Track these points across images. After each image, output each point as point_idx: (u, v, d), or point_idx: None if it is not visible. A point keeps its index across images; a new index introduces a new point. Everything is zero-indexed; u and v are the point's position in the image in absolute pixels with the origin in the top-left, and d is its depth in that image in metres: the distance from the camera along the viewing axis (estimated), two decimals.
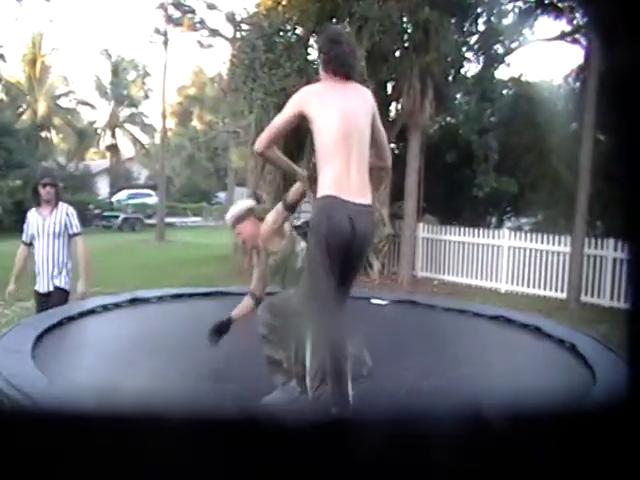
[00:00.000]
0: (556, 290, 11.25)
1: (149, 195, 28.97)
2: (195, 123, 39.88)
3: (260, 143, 3.11)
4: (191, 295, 5.92)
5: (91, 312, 4.92)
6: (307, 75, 10.27)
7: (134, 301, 5.34)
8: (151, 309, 5.37)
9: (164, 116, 24.25)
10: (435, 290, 11.69)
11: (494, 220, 16.19)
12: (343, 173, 2.95)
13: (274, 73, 10.23)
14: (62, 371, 3.48)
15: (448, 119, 13.86)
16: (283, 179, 11.19)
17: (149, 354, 4.10)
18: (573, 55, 13.84)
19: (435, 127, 13.63)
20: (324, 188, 2.95)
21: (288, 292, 3.69)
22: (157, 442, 0.91)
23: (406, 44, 10.17)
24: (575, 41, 13.71)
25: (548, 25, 22.41)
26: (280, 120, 3.09)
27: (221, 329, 3.79)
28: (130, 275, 12.22)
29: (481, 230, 12.67)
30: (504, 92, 15.12)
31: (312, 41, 11.20)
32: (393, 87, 11.08)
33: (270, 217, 3.58)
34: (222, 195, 35.44)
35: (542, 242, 11.59)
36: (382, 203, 11.66)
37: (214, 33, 17.82)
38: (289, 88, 10.49)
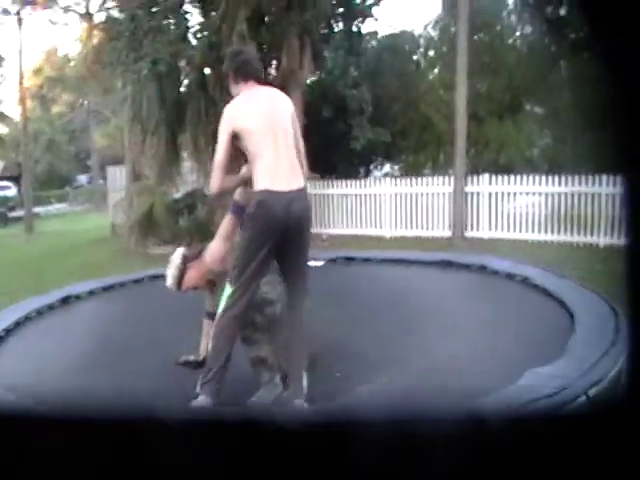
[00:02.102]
0: (442, 229, 11.88)
1: (8, 187, 27.22)
2: (57, 106, 37.69)
3: (214, 187, 3.40)
4: (122, 284, 5.81)
5: (27, 319, 4.72)
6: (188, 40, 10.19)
7: (66, 300, 5.18)
8: (88, 305, 5.24)
9: (23, 101, 22.71)
10: (326, 244, 11.96)
11: (362, 170, 16.69)
12: (273, 166, 3.32)
13: (159, 40, 9.95)
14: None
15: (322, 75, 14.04)
16: (167, 152, 11.02)
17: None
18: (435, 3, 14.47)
19: (309, 83, 13.77)
20: (259, 182, 3.30)
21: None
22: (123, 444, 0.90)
23: (283, 3, 10.16)
24: None
25: None
26: (221, 154, 3.34)
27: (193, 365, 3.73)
28: (11, 272, 11.57)
29: (363, 181, 13.11)
30: (370, 45, 15.58)
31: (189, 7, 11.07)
32: (272, 47, 11.06)
33: (215, 244, 3.60)
34: (84, 178, 34.04)
35: (422, 185, 12.16)
36: None
37: (67, 10, 16.83)
38: (176, 54, 10.32)
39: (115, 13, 12.18)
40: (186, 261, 3.73)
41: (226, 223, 3.63)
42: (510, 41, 15.59)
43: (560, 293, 4.31)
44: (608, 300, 3.97)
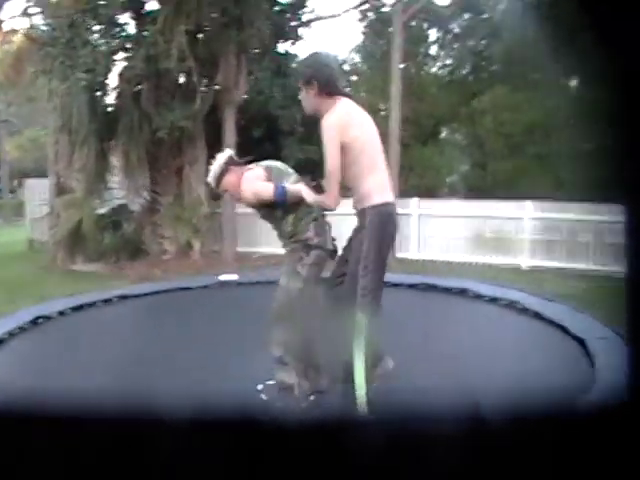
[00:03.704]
0: None
1: None
2: None
3: (336, 199, 3.26)
4: (91, 304, 5.64)
5: None
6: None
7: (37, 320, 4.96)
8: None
9: None
10: (259, 263, 11.92)
11: None
12: (385, 178, 3.38)
13: (98, 50, 9.67)
14: None
15: (254, 95, 14.04)
16: (96, 165, 10.71)
17: None
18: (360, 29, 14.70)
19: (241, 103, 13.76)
20: (377, 195, 3.31)
21: (291, 289, 3.60)
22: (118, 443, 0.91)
23: (223, 20, 10.14)
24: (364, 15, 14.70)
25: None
26: (335, 164, 3.21)
27: None
28: None
29: None
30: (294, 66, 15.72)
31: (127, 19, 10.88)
32: (208, 63, 11.00)
33: (256, 179, 3.62)
34: None
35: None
36: (198, 182, 11.58)
37: None
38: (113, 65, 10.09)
39: (38, 20, 11.83)
40: (230, 163, 3.74)
41: (267, 187, 3.60)
42: (433, 70, 16.19)
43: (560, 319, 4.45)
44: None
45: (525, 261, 10.89)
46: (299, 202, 3.53)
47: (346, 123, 3.24)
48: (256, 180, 3.63)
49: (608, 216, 10.36)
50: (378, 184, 3.34)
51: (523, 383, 3.57)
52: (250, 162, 3.87)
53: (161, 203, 11.52)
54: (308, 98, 3.37)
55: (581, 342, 4.06)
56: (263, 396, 3.77)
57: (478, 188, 13.70)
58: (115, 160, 11.69)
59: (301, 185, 3.53)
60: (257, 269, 10.72)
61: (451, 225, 11.74)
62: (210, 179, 3.77)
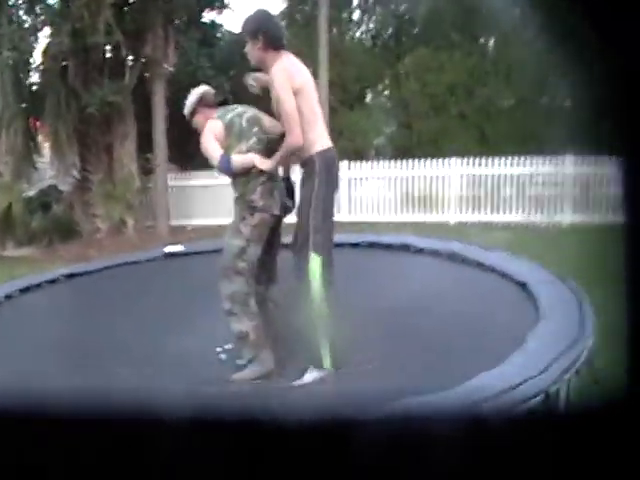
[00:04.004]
0: None
1: None
2: None
3: (299, 136, 3.43)
4: (38, 285, 5.65)
5: None
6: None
7: None
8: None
9: None
10: (193, 235, 11.95)
11: None
12: (324, 126, 3.61)
13: (23, 27, 9.44)
14: None
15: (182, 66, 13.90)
16: (24, 147, 10.50)
17: None
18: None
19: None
20: (321, 141, 3.54)
21: (233, 245, 3.70)
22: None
23: None
24: None
25: None
26: (292, 105, 3.41)
27: None
28: None
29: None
30: (219, 36, 15.60)
31: None
32: (136, 36, 10.85)
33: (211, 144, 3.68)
34: None
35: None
36: (129, 158, 11.53)
37: None
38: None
39: None
40: (201, 102, 3.84)
41: (214, 151, 3.67)
42: (357, 35, 16.39)
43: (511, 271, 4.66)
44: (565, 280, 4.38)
45: (453, 217, 11.37)
46: (250, 168, 3.64)
47: (293, 71, 3.48)
48: (210, 136, 3.67)
49: (529, 169, 10.94)
50: (320, 132, 3.56)
51: (477, 325, 3.87)
52: (222, 103, 3.91)
53: (92, 181, 11.38)
54: (254, 51, 3.55)
55: (523, 285, 4.30)
56: (222, 356, 3.95)
57: (405, 148, 14.09)
58: (43, 139, 11.47)
59: (253, 155, 3.64)
60: (192, 241, 10.74)
61: (380, 186, 12.07)
62: (185, 112, 3.88)
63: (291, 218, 3.84)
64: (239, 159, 3.66)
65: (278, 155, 3.62)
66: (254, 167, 3.63)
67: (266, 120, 3.80)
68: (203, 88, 3.92)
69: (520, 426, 0.96)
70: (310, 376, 3.49)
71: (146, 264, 6.44)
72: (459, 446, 0.88)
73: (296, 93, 3.43)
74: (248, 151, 3.68)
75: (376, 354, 3.64)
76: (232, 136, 3.69)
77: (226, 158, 3.63)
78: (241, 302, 3.64)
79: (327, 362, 3.47)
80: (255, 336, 3.61)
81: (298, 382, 3.49)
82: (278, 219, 3.82)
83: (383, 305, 4.38)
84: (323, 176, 3.50)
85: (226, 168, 3.66)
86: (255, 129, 3.76)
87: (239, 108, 3.84)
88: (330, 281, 3.54)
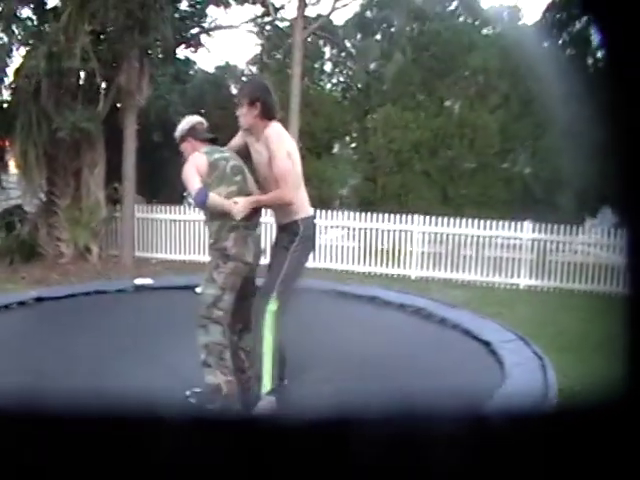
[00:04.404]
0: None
1: None
2: None
3: (292, 192, 3.67)
4: (6, 307, 5.56)
5: None
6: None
7: None
8: None
9: None
10: (158, 269, 11.86)
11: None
12: (306, 197, 3.83)
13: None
14: None
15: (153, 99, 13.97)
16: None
17: None
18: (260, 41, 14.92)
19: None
20: (305, 208, 3.80)
21: (207, 295, 3.73)
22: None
23: (128, 22, 10.07)
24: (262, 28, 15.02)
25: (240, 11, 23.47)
26: (288, 166, 3.66)
27: None
28: None
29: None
30: (192, 73, 15.76)
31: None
32: (111, 65, 10.89)
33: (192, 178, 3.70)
34: None
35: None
36: (97, 186, 11.44)
37: None
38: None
39: None
40: (191, 132, 3.90)
41: (193, 184, 3.68)
42: (328, 86, 16.80)
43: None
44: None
45: (414, 272, 11.59)
46: (226, 213, 3.67)
47: (285, 137, 3.76)
48: (193, 168, 3.69)
49: (488, 231, 11.30)
50: (304, 198, 3.80)
51: (440, 383, 3.93)
52: (212, 141, 3.94)
53: (58, 205, 11.24)
54: (248, 116, 3.75)
55: (487, 344, 4.53)
56: (192, 400, 3.85)
57: (369, 201, 14.36)
58: (11, 158, 11.31)
59: (230, 203, 3.66)
60: (157, 275, 10.68)
61: (344, 236, 12.24)
62: (175, 135, 3.96)
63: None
64: (217, 198, 3.67)
65: (263, 198, 3.72)
66: (228, 213, 3.65)
67: (249, 177, 3.89)
68: (197, 118, 4.01)
69: (520, 426, 0.95)
70: (262, 403, 3.62)
71: (114, 295, 6.42)
72: (454, 445, 0.87)
73: (286, 157, 3.65)
74: (226, 197, 3.69)
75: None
76: (214, 176, 3.71)
77: (204, 192, 3.63)
78: (216, 354, 3.66)
79: (268, 384, 3.66)
80: (227, 390, 3.63)
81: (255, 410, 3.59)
82: (251, 268, 3.83)
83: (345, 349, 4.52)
84: (303, 242, 3.74)
85: (201, 201, 3.65)
86: (238, 178, 3.79)
87: (227, 153, 3.88)
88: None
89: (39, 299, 5.91)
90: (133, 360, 4.48)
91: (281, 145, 3.64)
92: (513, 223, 11.27)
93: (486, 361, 4.26)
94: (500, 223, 11.33)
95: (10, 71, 10.70)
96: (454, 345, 4.77)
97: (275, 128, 3.71)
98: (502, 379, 3.75)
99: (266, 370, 3.65)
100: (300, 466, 0.87)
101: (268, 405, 3.58)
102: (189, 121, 3.96)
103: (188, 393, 3.92)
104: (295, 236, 3.72)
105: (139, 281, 6.67)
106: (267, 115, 3.72)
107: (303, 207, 3.77)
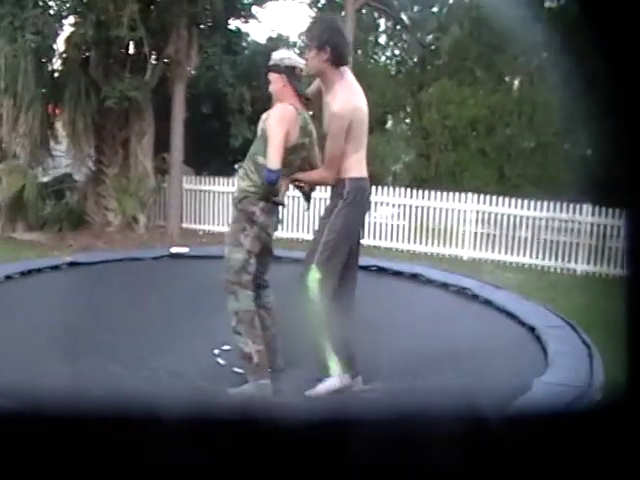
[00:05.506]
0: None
1: None
2: None
3: (333, 176, 3.51)
4: (39, 270, 5.53)
5: None
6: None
7: None
8: None
9: None
10: (204, 240, 11.81)
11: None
12: (364, 156, 3.55)
13: (48, 12, 9.39)
14: None
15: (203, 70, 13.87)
16: (41, 131, 10.40)
17: None
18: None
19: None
20: (357, 168, 3.52)
21: (235, 259, 3.58)
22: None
23: None
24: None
25: None
26: (339, 151, 3.44)
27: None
28: None
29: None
30: (244, 45, 15.57)
31: None
32: (160, 35, 10.79)
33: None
34: None
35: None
36: (145, 155, 11.40)
37: None
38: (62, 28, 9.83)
39: None
40: (290, 71, 3.57)
41: (274, 155, 3.48)
42: (382, 59, 16.39)
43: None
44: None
45: (466, 252, 11.18)
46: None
47: (354, 108, 3.42)
48: (283, 128, 3.47)
49: (545, 213, 10.78)
50: (358, 160, 3.50)
51: (480, 369, 3.68)
52: (307, 99, 3.64)
53: (107, 174, 11.26)
54: (316, 61, 3.42)
55: (532, 329, 4.20)
56: (220, 360, 3.85)
57: (422, 178, 13.96)
58: (61, 127, 11.37)
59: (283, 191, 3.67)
60: (203, 246, 10.62)
61: (395, 214, 11.90)
62: (269, 63, 3.64)
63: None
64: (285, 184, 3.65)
65: (307, 175, 3.66)
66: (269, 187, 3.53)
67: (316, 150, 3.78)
68: (302, 62, 3.59)
69: (520, 426, 0.94)
70: (324, 386, 3.42)
71: (149, 262, 6.32)
72: (457, 445, 0.86)
73: (350, 127, 3.39)
74: (291, 165, 3.59)
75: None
76: (291, 146, 3.53)
77: (278, 174, 3.46)
78: (247, 322, 3.53)
79: (336, 370, 3.43)
80: (258, 360, 3.50)
81: (310, 392, 3.43)
82: (270, 238, 3.74)
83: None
84: (349, 201, 3.47)
85: (271, 180, 3.47)
86: (306, 140, 3.65)
87: (310, 124, 3.68)
88: (334, 299, 3.49)
89: (72, 264, 5.82)
90: (165, 326, 4.39)
91: (343, 127, 3.36)
92: (572, 205, 10.71)
93: (528, 348, 3.93)
94: (558, 205, 10.78)
95: (60, 40, 10.71)
96: (494, 329, 4.45)
97: (345, 97, 3.41)
98: (544, 368, 3.44)
99: (329, 354, 3.43)
100: (300, 466, 0.87)
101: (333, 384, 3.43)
102: (294, 60, 3.61)
103: (217, 352, 3.90)
104: (340, 197, 3.49)
105: (175, 249, 6.55)
106: (338, 61, 3.41)
107: (355, 166, 3.49)
